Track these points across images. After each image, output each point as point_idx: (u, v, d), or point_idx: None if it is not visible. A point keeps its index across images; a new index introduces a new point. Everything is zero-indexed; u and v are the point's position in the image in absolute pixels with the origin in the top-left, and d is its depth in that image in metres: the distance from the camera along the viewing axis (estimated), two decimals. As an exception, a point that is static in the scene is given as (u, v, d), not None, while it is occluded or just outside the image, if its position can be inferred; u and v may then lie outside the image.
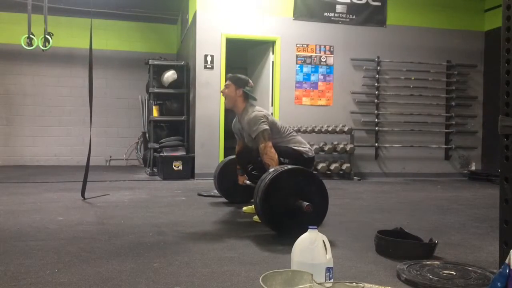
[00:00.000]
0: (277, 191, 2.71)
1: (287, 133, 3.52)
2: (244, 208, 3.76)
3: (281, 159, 3.25)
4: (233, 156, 4.04)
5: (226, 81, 3.60)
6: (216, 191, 4.34)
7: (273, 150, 3.23)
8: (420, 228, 3.15)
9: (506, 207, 1.68)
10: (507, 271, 1.37)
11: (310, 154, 3.49)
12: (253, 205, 3.70)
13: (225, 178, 4.10)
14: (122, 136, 8.81)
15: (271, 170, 2.88)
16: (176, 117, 7.08)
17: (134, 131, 8.81)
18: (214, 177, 4.19)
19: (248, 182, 3.75)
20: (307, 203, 2.61)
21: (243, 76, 3.61)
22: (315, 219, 2.67)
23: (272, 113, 6.33)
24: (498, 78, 1.77)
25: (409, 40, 7.12)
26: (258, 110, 3.44)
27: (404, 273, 1.96)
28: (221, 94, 3.62)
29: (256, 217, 3.28)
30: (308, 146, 3.57)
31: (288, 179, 2.76)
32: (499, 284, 1.38)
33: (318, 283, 1.44)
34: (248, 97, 3.53)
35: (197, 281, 1.91)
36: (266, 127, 3.29)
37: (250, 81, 3.57)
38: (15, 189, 4.93)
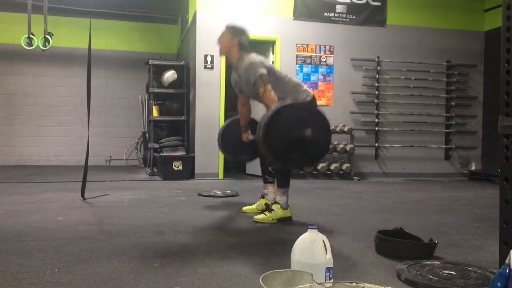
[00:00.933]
0: (279, 124, 2.70)
1: (285, 79, 3.41)
2: (244, 208, 3.76)
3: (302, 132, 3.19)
4: (236, 117, 3.94)
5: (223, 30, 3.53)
6: (216, 191, 4.34)
7: (272, 92, 3.16)
8: (420, 228, 3.15)
9: (506, 207, 1.68)
10: (507, 271, 1.37)
11: (308, 98, 3.39)
12: (253, 206, 3.71)
13: (229, 138, 3.94)
14: (122, 136, 8.81)
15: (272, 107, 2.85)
16: (176, 117, 7.08)
17: (134, 131, 8.81)
18: (218, 139, 4.01)
19: (252, 137, 3.66)
20: (309, 129, 2.63)
21: (241, 26, 3.53)
22: (318, 151, 2.71)
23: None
24: (498, 78, 1.77)
25: (409, 40, 7.12)
26: (254, 56, 3.37)
27: (404, 273, 1.96)
28: (217, 42, 3.55)
29: (256, 217, 3.28)
30: (306, 88, 3.47)
31: (289, 112, 2.77)
32: (499, 284, 1.38)
33: (318, 283, 1.44)
34: (243, 48, 3.44)
35: (197, 281, 1.91)
36: (264, 71, 3.22)
37: (247, 32, 3.47)
38: (15, 189, 4.93)
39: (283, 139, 2.70)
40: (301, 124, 2.73)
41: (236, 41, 3.42)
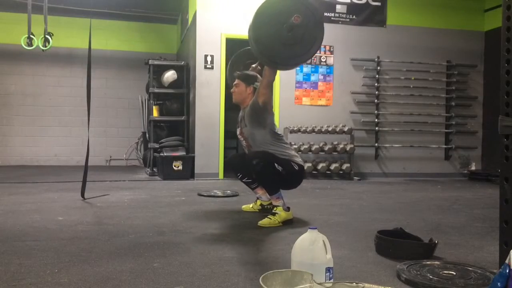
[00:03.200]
0: (266, 21, 2.77)
1: (283, 138, 3.46)
2: (244, 206, 3.78)
3: (276, 165, 3.20)
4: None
5: (235, 80, 3.56)
6: (216, 191, 4.32)
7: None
8: (420, 228, 3.15)
9: (506, 207, 1.68)
10: (507, 271, 1.37)
11: (302, 164, 3.42)
12: (251, 204, 3.71)
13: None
14: (122, 136, 8.81)
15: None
16: (176, 117, 7.08)
17: (134, 131, 8.81)
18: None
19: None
20: (296, 15, 2.67)
21: (251, 73, 3.60)
22: (309, 43, 2.77)
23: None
24: (498, 78, 1.77)
25: (409, 40, 7.12)
26: None
27: (404, 273, 1.96)
28: (232, 93, 3.58)
29: (261, 222, 3.18)
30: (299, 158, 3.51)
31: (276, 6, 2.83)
32: (499, 284, 1.38)
33: (318, 283, 1.44)
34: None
35: (197, 281, 1.91)
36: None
37: (259, 76, 3.54)
38: (15, 189, 4.93)
39: (273, 38, 2.77)
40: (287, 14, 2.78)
41: (251, 89, 3.48)
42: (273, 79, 3.22)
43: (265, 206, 3.63)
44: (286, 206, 3.29)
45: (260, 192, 3.62)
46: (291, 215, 3.30)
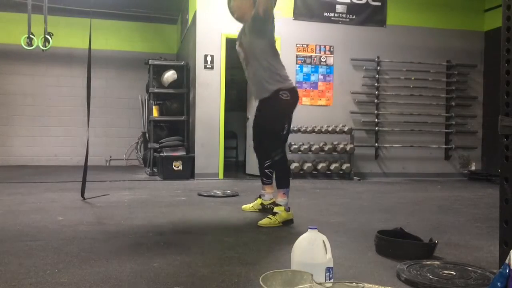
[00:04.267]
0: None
1: (279, 55, 3.39)
2: (243, 206, 3.78)
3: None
4: None
5: None
6: (216, 191, 4.32)
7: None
8: (420, 228, 3.15)
9: (506, 207, 1.68)
10: (507, 271, 1.37)
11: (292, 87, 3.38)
12: (251, 204, 3.72)
13: None
14: (122, 136, 8.82)
15: None
16: (176, 117, 7.08)
17: (134, 131, 8.82)
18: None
19: None
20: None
21: None
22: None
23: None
24: (498, 78, 1.77)
25: (409, 40, 7.12)
26: None
27: (404, 273, 1.96)
28: (229, 7, 3.47)
29: (261, 222, 3.17)
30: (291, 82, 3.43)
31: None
32: (499, 284, 1.38)
33: (318, 283, 1.44)
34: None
35: (197, 281, 1.91)
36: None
37: None
38: (15, 189, 4.93)
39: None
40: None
41: (251, 1, 3.36)
42: None
43: (266, 206, 3.62)
44: (288, 206, 3.29)
45: (268, 189, 3.61)
46: (292, 216, 3.29)
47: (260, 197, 3.71)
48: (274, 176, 3.44)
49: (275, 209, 3.24)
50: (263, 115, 3.41)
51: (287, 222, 3.22)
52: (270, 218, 3.18)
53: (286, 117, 3.38)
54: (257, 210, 3.65)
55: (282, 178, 3.32)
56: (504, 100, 1.69)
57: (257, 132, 3.52)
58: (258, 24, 3.25)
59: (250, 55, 3.36)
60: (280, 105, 3.29)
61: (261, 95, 3.37)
